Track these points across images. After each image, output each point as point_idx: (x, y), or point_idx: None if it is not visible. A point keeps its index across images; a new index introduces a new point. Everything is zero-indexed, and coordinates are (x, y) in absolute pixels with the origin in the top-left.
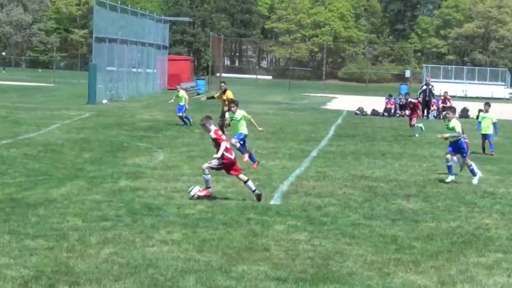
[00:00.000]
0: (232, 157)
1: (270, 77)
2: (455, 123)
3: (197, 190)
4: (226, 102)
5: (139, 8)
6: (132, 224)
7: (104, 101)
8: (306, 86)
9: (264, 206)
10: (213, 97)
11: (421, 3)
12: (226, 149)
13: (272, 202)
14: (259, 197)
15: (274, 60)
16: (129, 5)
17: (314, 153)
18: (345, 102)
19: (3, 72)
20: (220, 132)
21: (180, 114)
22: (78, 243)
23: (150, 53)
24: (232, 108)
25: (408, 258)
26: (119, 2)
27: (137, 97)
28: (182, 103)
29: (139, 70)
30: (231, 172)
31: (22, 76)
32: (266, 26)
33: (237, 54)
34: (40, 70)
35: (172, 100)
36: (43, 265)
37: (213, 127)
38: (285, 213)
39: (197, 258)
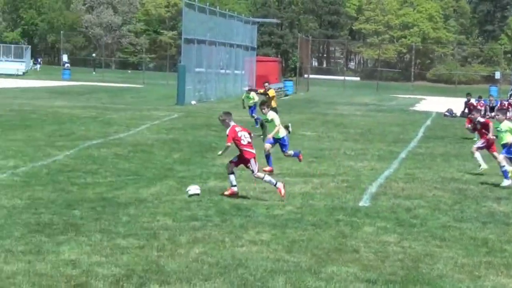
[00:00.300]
0: (254, 150)
1: (358, 78)
2: (508, 125)
3: (194, 189)
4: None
5: (227, 10)
6: (221, 224)
7: (193, 102)
8: (394, 88)
9: (353, 208)
10: (256, 91)
11: (511, 4)
12: (243, 146)
13: (361, 204)
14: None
15: (362, 61)
16: (218, 7)
17: (403, 155)
18: (433, 103)
19: (94, 73)
20: (238, 128)
21: (253, 115)
22: (168, 242)
23: (238, 54)
24: (263, 110)
25: (499, 261)
26: (207, 3)
27: (225, 98)
28: (251, 104)
29: (227, 71)
30: (240, 161)
31: (112, 77)
32: (354, 27)
33: (325, 55)
34: (129, 71)
35: (244, 100)
36: (134, 264)
37: (232, 123)
38: (374, 215)
39: (286, 259)
